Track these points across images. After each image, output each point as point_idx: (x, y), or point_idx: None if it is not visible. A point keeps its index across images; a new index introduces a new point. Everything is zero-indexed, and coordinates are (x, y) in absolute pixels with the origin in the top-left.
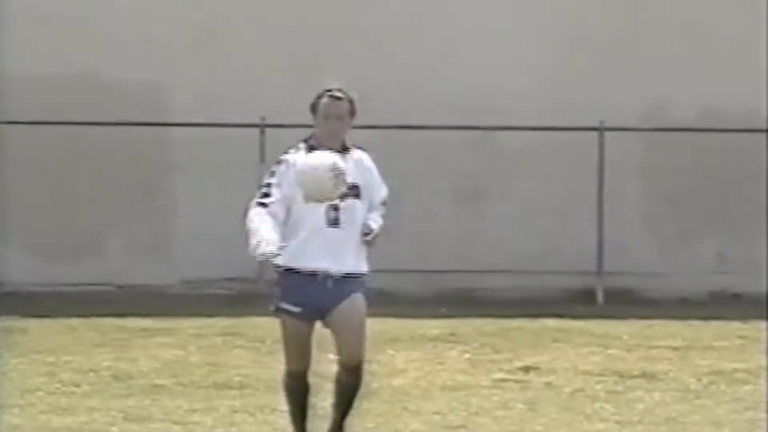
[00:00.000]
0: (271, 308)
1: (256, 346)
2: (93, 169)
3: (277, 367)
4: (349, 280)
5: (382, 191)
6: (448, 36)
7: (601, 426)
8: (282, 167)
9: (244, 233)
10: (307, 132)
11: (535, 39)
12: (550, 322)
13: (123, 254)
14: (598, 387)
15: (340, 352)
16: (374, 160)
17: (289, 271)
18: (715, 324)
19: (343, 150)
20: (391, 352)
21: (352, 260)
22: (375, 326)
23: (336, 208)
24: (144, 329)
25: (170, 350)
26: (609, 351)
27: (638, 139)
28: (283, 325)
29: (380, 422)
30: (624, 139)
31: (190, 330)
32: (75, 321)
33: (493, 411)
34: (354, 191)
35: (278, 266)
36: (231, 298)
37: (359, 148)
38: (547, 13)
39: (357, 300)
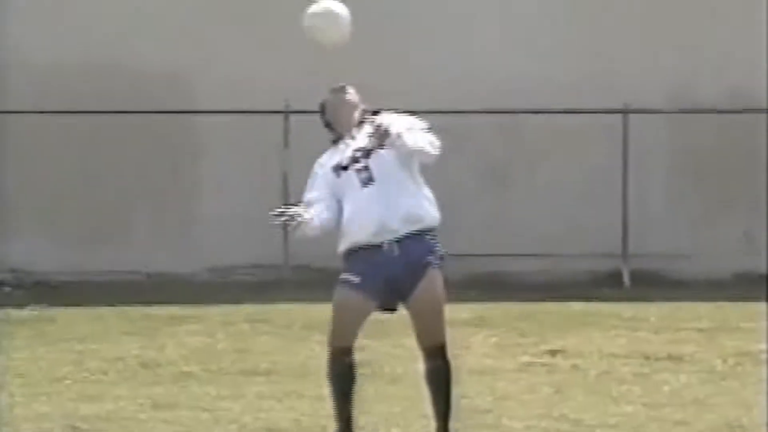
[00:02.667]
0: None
1: (282, 332)
2: (119, 157)
3: (304, 353)
4: (416, 241)
5: (416, 125)
6: (473, 19)
7: (629, 408)
8: (316, 168)
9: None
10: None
11: (560, 22)
12: (577, 305)
13: (149, 242)
14: (625, 369)
15: (420, 336)
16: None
17: (353, 251)
18: (741, 305)
19: (361, 122)
20: None
21: (406, 206)
22: (402, 311)
23: (365, 167)
24: (171, 317)
25: (197, 337)
26: (636, 333)
27: (663, 120)
28: (336, 297)
29: (407, 406)
30: (649, 120)
31: (217, 317)
32: (102, 309)
33: (519, 395)
34: (377, 144)
35: (343, 252)
36: (257, 284)
37: (375, 113)
38: None
39: (434, 279)
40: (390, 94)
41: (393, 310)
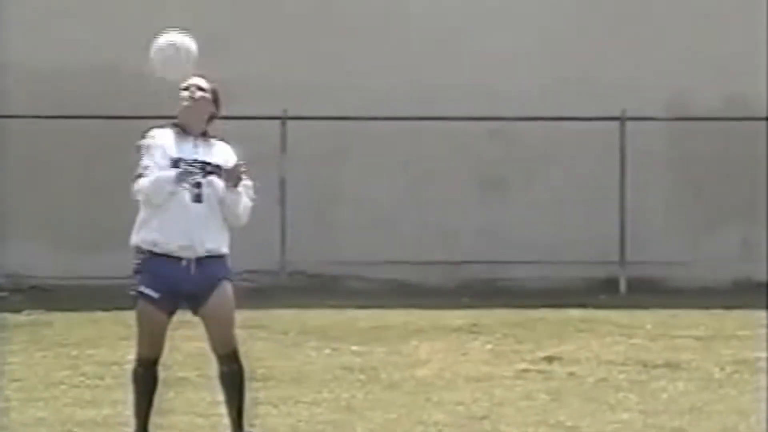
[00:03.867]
0: (131, 293)
1: (279, 337)
2: (117, 162)
3: (300, 358)
4: (212, 262)
5: (245, 178)
6: (470, 26)
7: (625, 416)
8: (149, 141)
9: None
10: (327, 123)
11: (557, 28)
12: (573, 312)
13: None
14: (622, 377)
15: (214, 344)
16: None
17: (153, 255)
18: (738, 313)
19: (205, 135)
20: (414, 342)
21: (215, 236)
22: (398, 317)
23: (198, 184)
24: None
25: (193, 343)
26: (632, 341)
27: (661, 127)
28: (138, 309)
29: (403, 413)
30: (646, 128)
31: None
32: (99, 314)
33: (516, 401)
34: (216, 170)
35: (141, 250)
36: (253, 290)
37: (222, 139)
38: (569, 1)
39: (226, 290)
40: (385, 99)
41: (174, 312)
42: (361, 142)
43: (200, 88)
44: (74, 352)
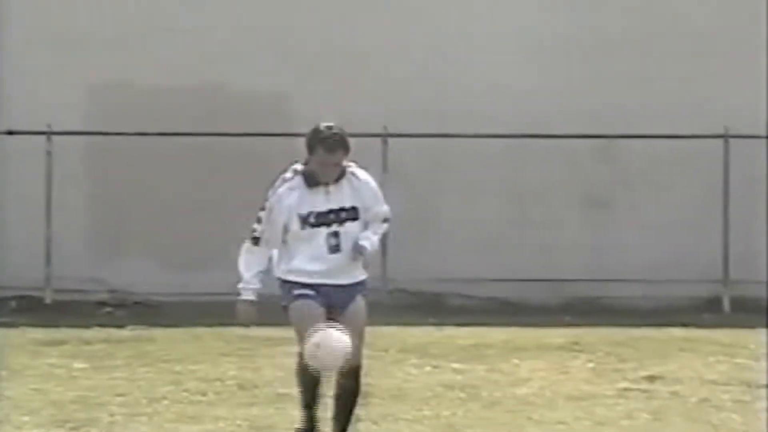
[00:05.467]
0: (283, 304)
1: (379, 354)
2: (219, 179)
3: (401, 375)
4: (352, 285)
5: (381, 208)
6: (577, 46)
7: None
8: (273, 199)
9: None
10: (429, 141)
11: (661, 47)
12: (676, 331)
13: None
14: (725, 397)
15: None
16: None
17: (294, 281)
18: None
19: (339, 177)
20: (516, 361)
21: (353, 273)
22: (499, 335)
23: (336, 234)
24: (268, 338)
25: (294, 359)
26: (736, 360)
27: (765, 145)
28: (296, 308)
29: (504, 431)
30: (750, 145)
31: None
32: (201, 330)
33: (618, 421)
34: (351, 214)
35: (283, 279)
36: None
37: (356, 164)
38: (670, 22)
39: (360, 305)
40: (486, 118)
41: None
42: (463, 160)
43: (338, 146)
44: (177, 368)
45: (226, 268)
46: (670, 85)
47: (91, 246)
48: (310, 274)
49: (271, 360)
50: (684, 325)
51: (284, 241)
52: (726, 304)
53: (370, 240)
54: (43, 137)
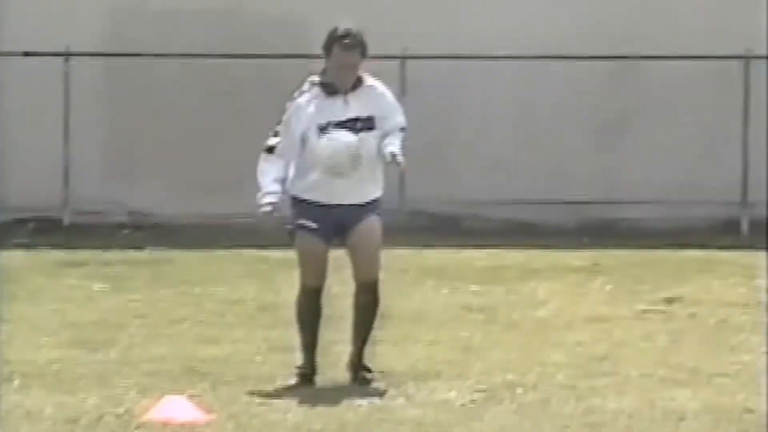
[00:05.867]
0: (287, 228)
1: (397, 277)
2: (236, 102)
3: (419, 297)
4: (364, 205)
5: (398, 118)
6: None
7: (747, 357)
8: (291, 109)
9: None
10: (446, 63)
11: None
12: (694, 253)
13: None
14: (744, 318)
15: (357, 271)
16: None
17: (306, 201)
18: None
19: (355, 85)
20: (533, 283)
21: (368, 188)
22: (517, 257)
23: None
24: (287, 260)
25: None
26: (754, 282)
27: None
28: (300, 241)
29: (521, 353)
30: None
31: (331, 261)
32: (220, 252)
33: (636, 342)
34: (368, 123)
35: (295, 197)
36: None
37: (371, 76)
38: None
39: (373, 221)
40: (498, 39)
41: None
42: (479, 81)
43: (355, 45)
44: (196, 290)
45: (244, 190)
46: (689, 5)
47: (109, 168)
48: (322, 190)
49: (289, 282)
50: (702, 246)
51: (301, 156)
52: (745, 226)
53: (395, 144)
54: (60, 59)
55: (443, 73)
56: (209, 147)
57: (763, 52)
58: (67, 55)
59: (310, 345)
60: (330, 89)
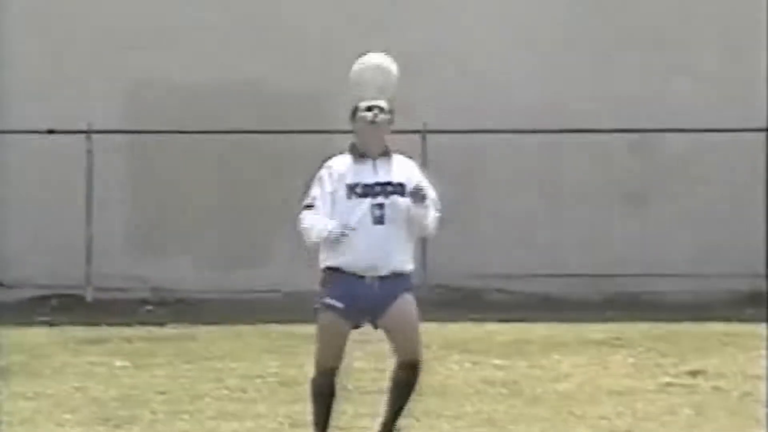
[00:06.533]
0: (315, 306)
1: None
2: (259, 177)
3: (443, 372)
4: (395, 279)
5: (429, 191)
6: (610, 39)
7: None
8: (324, 172)
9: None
10: (467, 137)
11: (697, 40)
12: (718, 326)
13: (288, 262)
14: None
15: (398, 351)
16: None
17: (337, 271)
18: None
19: (386, 154)
20: (557, 356)
21: (399, 256)
22: (540, 331)
23: (381, 206)
24: (310, 335)
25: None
26: None
27: None
28: (323, 320)
29: (546, 427)
30: None
31: (354, 335)
32: (242, 327)
33: (659, 416)
34: (399, 188)
35: (327, 267)
36: None
37: (402, 154)
38: (708, 13)
39: (408, 300)
40: (522, 114)
41: (358, 327)
42: (500, 155)
43: (382, 110)
44: (218, 365)
45: (267, 265)
46: (710, 77)
47: (131, 244)
48: (352, 253)
49: (312, 357)
50: (725, 319)
51: (331, 217)
52: None
53: (429, 197)
54: (83, 136)
55: (464, 147)
56: (231, 222)
57: None
58: (89, 132)
59: (321, 423)
60: (358, 153)
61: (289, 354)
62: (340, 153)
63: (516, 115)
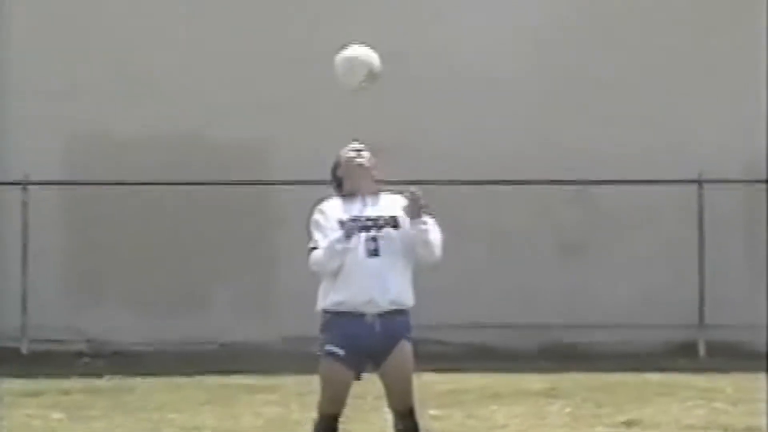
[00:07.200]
0: (317, 353)
1: (356, 402)
2: (198, 228)
3: (378, 423)
4: (395, 318)
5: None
6: (549, 89)
7: None
8: (318, 216)
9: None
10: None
11: (634, 90)
12: (653, 376)
13: (226, 312)
14: None
15: (392, 401)
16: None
17: (336, 315)
18: None
19: (374, 190)
20: (493, 407)
21: (397, 288)
22: (476, 381)
23: (374, 238)
24: (247, 387)
25: (273, 407)
26: (713, 405)
27: (739, 190)
28: (324, 368)
29: None
30: (725, 190)
31: (292, 387)
32: (180, 379)
33: None
34: (391, 221)
35: (327, 311)
36: None
37: (392, 192)
38: (643, 63)
39: (406, 351)
40: (466, 166)
41: (360, 376)
42: (439, 205)
43: (362, 149)
44: (155, 417)
45: (202, 316)
46: (642, 129)
47: (68, 295)
48: (349, 288)
49: (249, 408)
50: (660, 369)
51: None
52: (702, 349)
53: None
54: (18, 187)
55: None
56: (169, 274)
57: (717, 176)
58: (25, 183)
59: None
60: (348, 192)
61: (227, 405)
62: (326, 199)
63: (450, 165)
